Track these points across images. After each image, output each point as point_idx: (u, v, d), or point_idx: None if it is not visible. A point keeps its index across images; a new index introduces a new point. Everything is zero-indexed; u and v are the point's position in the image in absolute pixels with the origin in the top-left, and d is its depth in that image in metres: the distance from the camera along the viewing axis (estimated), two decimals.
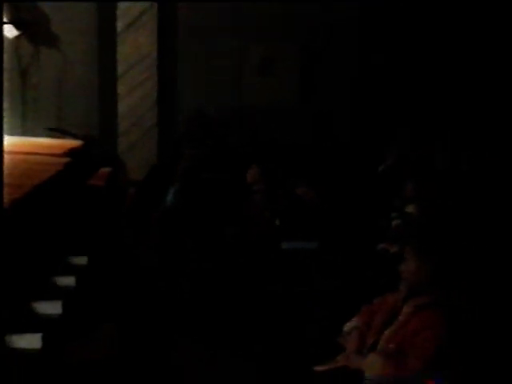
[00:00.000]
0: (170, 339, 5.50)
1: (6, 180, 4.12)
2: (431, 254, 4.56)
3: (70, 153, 7.36)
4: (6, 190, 4.20)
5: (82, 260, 6.04)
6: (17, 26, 8.46)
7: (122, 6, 8.87)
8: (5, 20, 7.96)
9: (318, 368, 4.69)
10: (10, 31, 8.38)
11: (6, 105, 4.22)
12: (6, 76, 4.36)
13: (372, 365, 4.41)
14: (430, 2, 8.70)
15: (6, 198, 4.42)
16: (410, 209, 6.06)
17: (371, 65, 8.74)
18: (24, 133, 8.54)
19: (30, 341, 4.69)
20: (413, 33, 8.66)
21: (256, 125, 8.69)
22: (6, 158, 4.23)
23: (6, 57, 5.43)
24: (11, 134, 7.56)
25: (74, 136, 8.47)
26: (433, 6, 8.66)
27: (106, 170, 8.18)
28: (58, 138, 8.47)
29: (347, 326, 4.78)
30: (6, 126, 4.71)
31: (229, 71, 9.00)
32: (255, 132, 8.59)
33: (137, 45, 8.95)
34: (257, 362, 5.18)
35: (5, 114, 4.17)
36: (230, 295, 5.96)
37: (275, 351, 5.28)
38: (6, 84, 4.29)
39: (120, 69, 8.96)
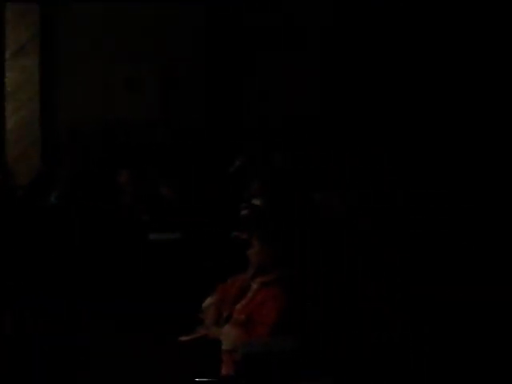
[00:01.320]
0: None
1: None
2: (272, 239, 4.62)
3: None
4: None
5: None
6: None
7: (9, 36, 8.84)
8: None
9: (183, 338, 4.72)
10: None
11: None
12: None
13: (227, 334, 4.42)
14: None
15: None
16: (256, 202, 6.13)
17: (218, 79, 8.74)
18: None
19: None
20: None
21: (125, 134, 8.63)
22: None
23: None
24: None
25: None
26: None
27: None
28: None
29: (205, 303, 4.79)
30: None
31: (100, 88, 8.97)
32: (123, 140, 8.53)
33: (22, 69, 8.93)
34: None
35: None
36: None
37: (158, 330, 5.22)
38: None
39: (8, 89, 8.90)
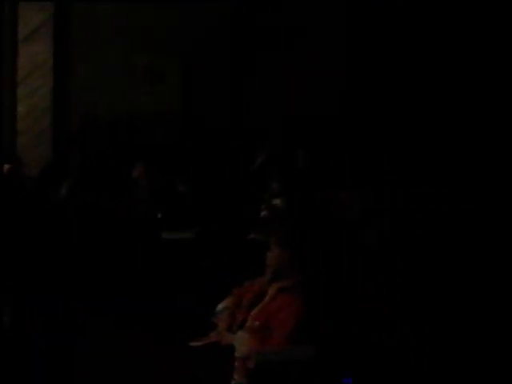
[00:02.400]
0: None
1: None
2: (292, 243, 4.65)
3: None
4: None
5: None
6: None
7: (21, 18, 8.79)
8: None
9: (194, 343, 4.73)
10: None
11: None
12: None
13: (240, 340, 4.45)
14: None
15: None
16: (276, 202, 6.16)
17: (242, 72, 8.80)
18: None
19: None
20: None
21: (142, 127, 8.68)
22: None
23: None
24: None
25: None
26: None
27: (6, 166, 8.02)
28: None
29: (219, 307, 4.83)
30: None
31: (118, 78, 8.96)
32: (141, 133, 8.58)
33: (34, 54, 8.91)
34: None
35: None
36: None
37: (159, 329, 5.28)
38: None
39: (19, 75, 8.88)
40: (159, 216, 6.76)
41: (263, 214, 6.17)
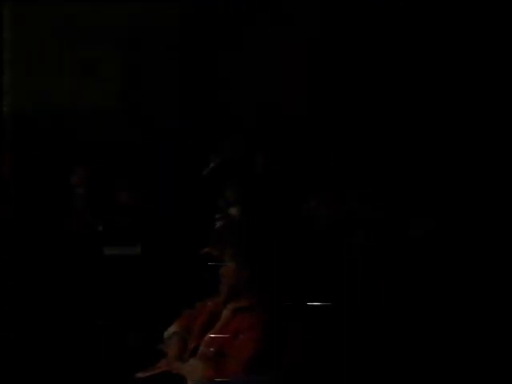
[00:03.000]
0: None
1: None
2: (249, 257, 4.32)
3: None
4: None
5: None
6: None
7: None
8: None
9: (140, 374, 4.36)
10: None
11: None
12: None
13: (192, 369, 4.14)
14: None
15: None
16: (233, 211, 5.84)
17: (193, 66, 8.47)
18: None
19: None
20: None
21: (78, 126, 8.33)
22: None
23: None
24: None
25: None
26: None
27: None
28: None
29: (168, 332, 4.47)
30: None
31: (51, 72, 8.69)
32: (76, 133, 8.20)
33: None
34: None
35: None
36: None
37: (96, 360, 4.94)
38: None
39: None
40: (100, 229, 6.43)
41: (218, 224, 5.85)
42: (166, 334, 4.47)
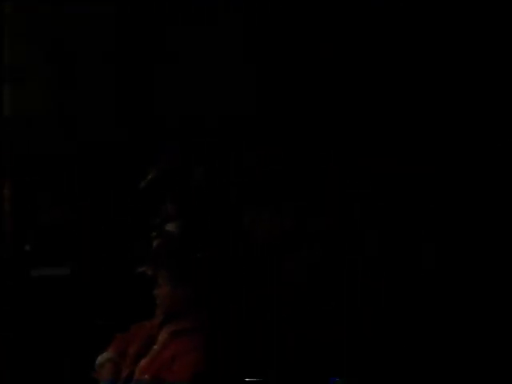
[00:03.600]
0: None
1: None
2: (185, 277, 4.18)
3: None
4: None
5: None
6: None
7: None
8: None
9: None
10: None
11: None
12: None
13: None
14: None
15: None
16: (170, 228, 5.67)
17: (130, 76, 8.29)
18: None
19: None
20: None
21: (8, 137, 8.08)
22: None
23: None
24: None
25: None
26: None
27: None
28: None
29: (100, 358, 4.29)
30: None
31: None
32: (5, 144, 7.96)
33: None
34: None
35: None
36: None
37: None
38: None
39: None
40: (27, 249, 6.23)
41: (154, 242, 5.67)
42: (98, 361, 4.31)
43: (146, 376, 4.07)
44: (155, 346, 4.16)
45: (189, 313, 4.13)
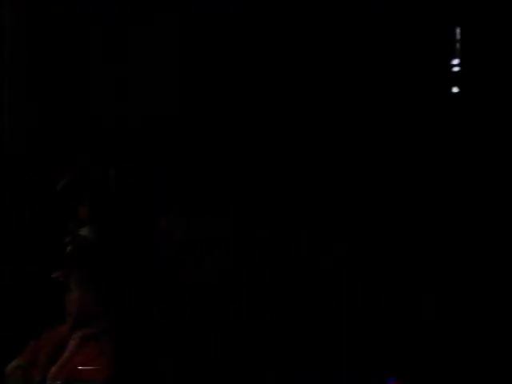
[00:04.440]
0: None
1: None
2: (96, 282, 4.30)
3: None
4: None
5: None
6: None
7: None
8: None
9: None
10: None
11: None
12: None
13: None
14: None
15: None
16: (84, 232, 5.73)
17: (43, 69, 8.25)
18: None
19: None
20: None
21: None
22: None
23: None
24: None
25: None
26: None
27: None
28: None
29: (10, 366, 4.35)
30: None
31: None
32: None
33: None
34: None
35: None
36: None
37: None
38: None
39: None
40: None
41: (68, 247, 5.73)
42: (7, 369, 4.36)
43: (58, 382, 4.15)
44: (66, 352, 4.24)
45: (99, 318, 4.24)
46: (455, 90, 6.26)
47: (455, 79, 6.22)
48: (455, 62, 6.22)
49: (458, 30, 6.35)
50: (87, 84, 8.21)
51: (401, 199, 5.91)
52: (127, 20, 8.33)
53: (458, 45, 6.36)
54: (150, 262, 5.11)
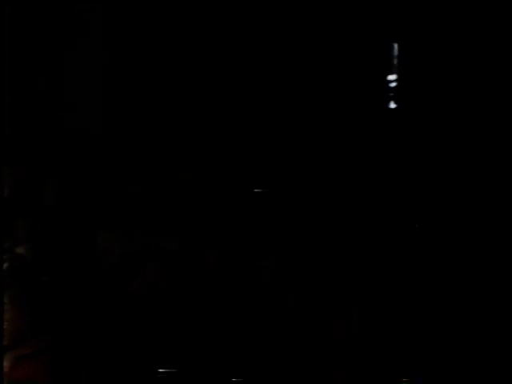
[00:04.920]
0: None
1: None
2: (29, 301, 4.31)
3: None
4: None
5: None
6: None
7: None
8: None
9: None
10: None
11: None
12: None
13: None
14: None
15: None
16: (20, 250, 5.72)
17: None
18: None
19: None
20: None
21: None
22: None
23: None
24: None
25: None
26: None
27: None
28: None
29: None
30: None
31: None
32: None
33: None
34: None
35: None
36: None
37: None
38: None
39: None
40: None
41: (5, 266, 5.72)
42: None
43: None
44: None
45: (33, 338, 4.24)
46: (392, 105, 6.36)
47: (392, 95, 6.33)
48: (392, 77, 6.33)
49: (395, 46, 6.47)
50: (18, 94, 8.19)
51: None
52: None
53: (395, 60, 6.48)
54: (87, 277, 5.12)
